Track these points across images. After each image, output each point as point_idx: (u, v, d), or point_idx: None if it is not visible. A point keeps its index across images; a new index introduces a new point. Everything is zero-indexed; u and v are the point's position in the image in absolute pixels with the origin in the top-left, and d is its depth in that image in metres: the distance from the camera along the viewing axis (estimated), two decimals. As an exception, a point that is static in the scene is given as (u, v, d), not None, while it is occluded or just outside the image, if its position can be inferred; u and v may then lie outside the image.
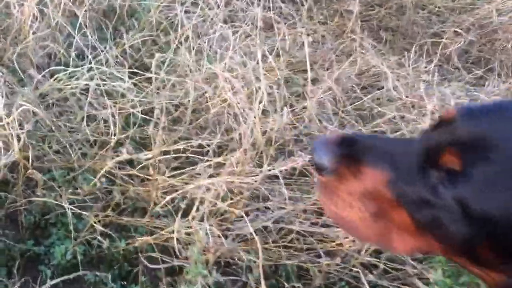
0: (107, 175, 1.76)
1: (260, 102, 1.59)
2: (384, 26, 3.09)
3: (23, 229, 1.77)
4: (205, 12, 2.18)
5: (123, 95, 1.83)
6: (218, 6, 2.24)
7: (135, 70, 1.87)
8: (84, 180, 1.75)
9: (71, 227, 1.60)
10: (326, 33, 2.40)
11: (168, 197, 1.41)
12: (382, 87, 2.18)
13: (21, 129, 1.43)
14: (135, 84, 1.91)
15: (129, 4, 2.29)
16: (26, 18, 1.82)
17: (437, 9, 3.30)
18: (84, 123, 1.64)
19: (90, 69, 1.88)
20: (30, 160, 1.49)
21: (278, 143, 1.54)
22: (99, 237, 1.55)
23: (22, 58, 1.93)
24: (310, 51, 2.38)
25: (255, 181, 1.43)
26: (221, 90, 1.65)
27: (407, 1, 3.20)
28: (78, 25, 2.05)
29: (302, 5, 2.56)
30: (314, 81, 2.27)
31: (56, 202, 1.65)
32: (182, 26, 2.29)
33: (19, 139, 1.37)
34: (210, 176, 1.50)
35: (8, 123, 1.33)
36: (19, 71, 1.83)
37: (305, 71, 2.35)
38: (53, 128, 1.69)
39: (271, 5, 2.44)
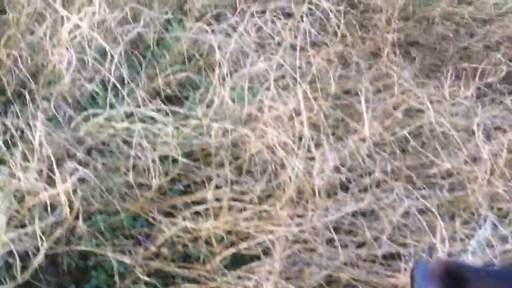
0: (148, 219, 1.75)
1: (304, 146, 1.55)
2: (411, 40, 3.04)
3: (63, 274, 1.76)
4: (236, 39, 2.14)
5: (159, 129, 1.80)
6: (249, 34, 2.20)
7: (174, 108, 1.84)
8: (125, 224, 1.74)
9: (116, 276, 1.59)
10: (357, 56, 2.36)
11: (221, 254, 1.38)
12: (419, 111, 2.13)
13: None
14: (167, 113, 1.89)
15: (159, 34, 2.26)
16: (60, 57, 1.80)
17: (464, 20, 3.23)
18: (130, 166, 1.61)
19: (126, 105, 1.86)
20: (80, 216, 1.47)
21: (324, 189, 1.51)
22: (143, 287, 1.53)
23: (54, 96, 1.91)
24: (342, 74, 2.36)
25: (303, 231, 1.40)
26: (262, 132, 1.62)
27: (434, 14, 3.15)
28: (107, 55, 2.02)
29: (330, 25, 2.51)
30: (350, 108, 2.24)
31: (99, 250, 1.64)
32: (209, 53, 2.28)
33: (67, 195, 1.35)
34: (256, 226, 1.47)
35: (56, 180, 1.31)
36: (55, 113, 1.81)
37: (339, 98, 2.32)
38: (94, 173, 1.67)
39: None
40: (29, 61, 1.84)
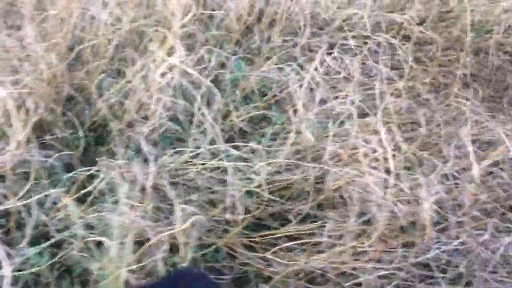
0: (230, 251, 1.80)
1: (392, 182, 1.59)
2: (466, 72, 3.06)
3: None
4: (307, 78, 2.21)
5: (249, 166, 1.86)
6: (317, 71, 2.27)
7: (253, 146, 1.90)
8: (212, 258, 1.78)
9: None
10: (425, 91, 2.40)
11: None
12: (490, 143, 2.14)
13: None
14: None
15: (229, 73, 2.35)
16: (149, 98, 1.89)
17: (516, 50, 3.25)
18: (227, 200, 1.67)
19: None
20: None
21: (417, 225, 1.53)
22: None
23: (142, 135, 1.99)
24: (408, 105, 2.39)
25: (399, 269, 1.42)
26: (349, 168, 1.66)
27: (488, 45, 3.17)
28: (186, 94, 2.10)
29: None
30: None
31: None
32: (275, 91, 2.35)
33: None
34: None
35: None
36: (145, 151, 1.89)
37: (408, 131, 2.34)
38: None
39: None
40: (118, 103, 1.93)
